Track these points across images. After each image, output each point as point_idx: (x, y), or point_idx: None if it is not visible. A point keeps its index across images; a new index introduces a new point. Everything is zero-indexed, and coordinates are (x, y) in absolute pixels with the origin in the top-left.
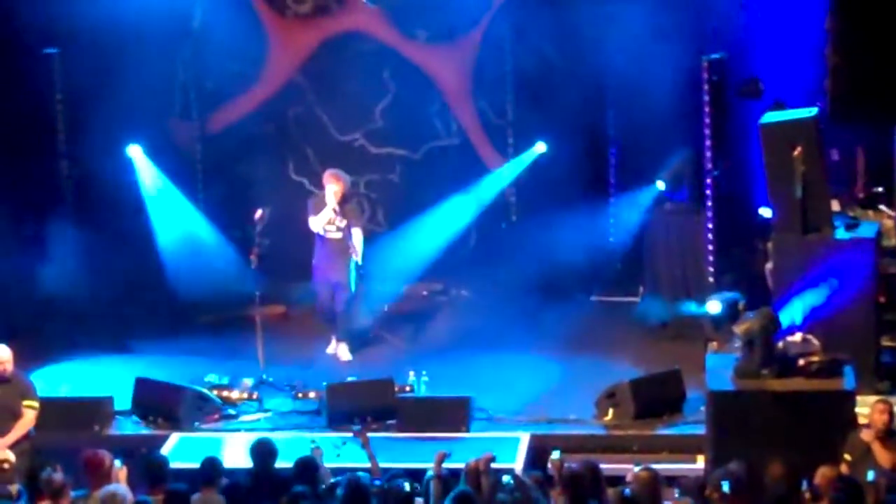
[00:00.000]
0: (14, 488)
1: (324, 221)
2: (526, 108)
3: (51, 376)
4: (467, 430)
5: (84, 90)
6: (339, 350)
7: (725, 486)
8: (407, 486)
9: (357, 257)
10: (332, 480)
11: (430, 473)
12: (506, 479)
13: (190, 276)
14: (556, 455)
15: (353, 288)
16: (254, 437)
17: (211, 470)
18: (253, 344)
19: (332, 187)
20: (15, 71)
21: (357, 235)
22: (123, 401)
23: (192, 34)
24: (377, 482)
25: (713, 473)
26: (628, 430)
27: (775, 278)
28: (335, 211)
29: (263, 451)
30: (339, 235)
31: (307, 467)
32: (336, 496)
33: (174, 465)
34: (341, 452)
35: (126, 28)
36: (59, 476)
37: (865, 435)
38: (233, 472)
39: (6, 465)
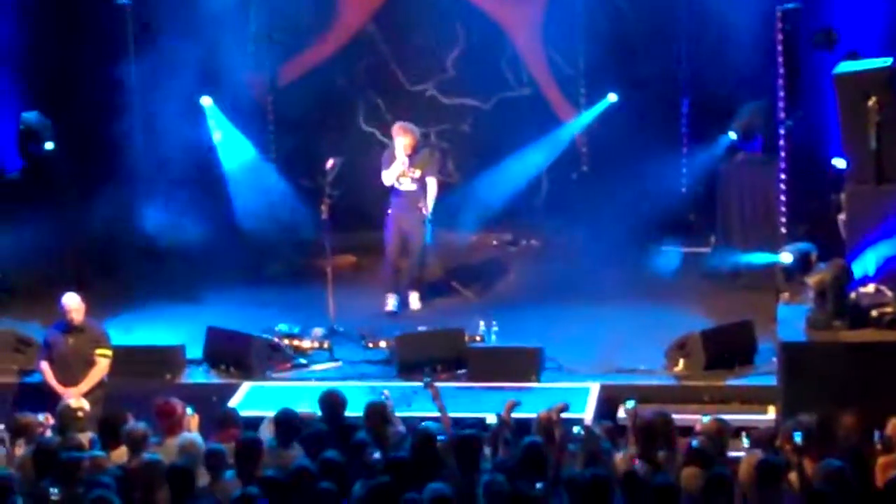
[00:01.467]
0: (87, 436)
1: (396, 174)
2: (597, 59)
3: (124, 325)
4: (537, 380)
5: (156, 41)
6: (411, 299)
7: (797, 438)
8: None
9: (427, 211)
10: (402, 429)
11: (495, 422)
12: (576, 429)
13: (262, 226)
14: (630, 404)
15: (427, 238)
16: (324, 386)
17: (287, 426)
18: (324, 294)
19: (402, 140)
20: (87, 21)
21: (431, 185)
22: (195, 349)
23: None
24: (443, 437)
25: (784, 424)
26: (699, 380)
27: (848, 229)
28: (405, 164)
29: (332, 402)
30: (413, 187)
31: (376, 414)
32: (405, 446)
33: (245, 412)
34: (412, 402)
35: None
36: (141, 426)
37: None
38: (309, 424)
39: (80, 413)
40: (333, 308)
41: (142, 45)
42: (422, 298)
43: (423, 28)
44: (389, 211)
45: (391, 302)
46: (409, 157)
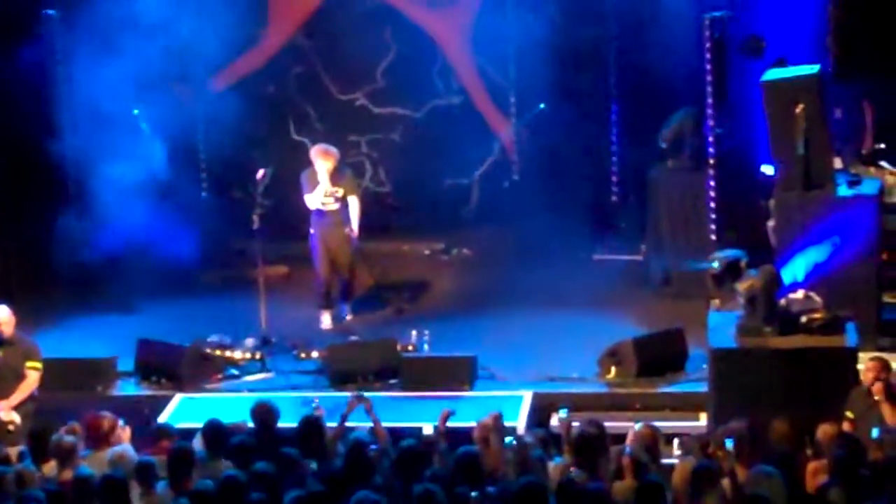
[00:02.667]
0: (16, 450)
1: (321, 196)
2: (528, 67)
3: (55, 337)
4: (470, 389)
5: (84, 53)
6: (346, 312)
7: (728, 444)
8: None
9: (353, 232)
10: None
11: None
12: (508, 439)
13: (192, 237)
14: (563, 414)
15: (352, 254)
16: (256, 397)
17: (215, 437)
18: (255, 304)
19: (323, 164)
20: (14, 33)
21: (354, 205)
22: (126, 361)
23: None
24: (375, 447)
25: (716, 431)
26: (631, 388)
27: (777, 236)
28: (330, 179)
29: (264, 412)
30: (335, 206)
31: (310, 427)
32: (338, 454)
33: (178, 424)
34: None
35: None
36: (68, 439)
37: (876, 391)
38: (235, 433)
39: (11, 427)
40: (265, 318)
41: (71, 56)
42: (353, 309)
43: (354, 37)
44: (312, 231)
45: (326, 319)
46: (331, 176)
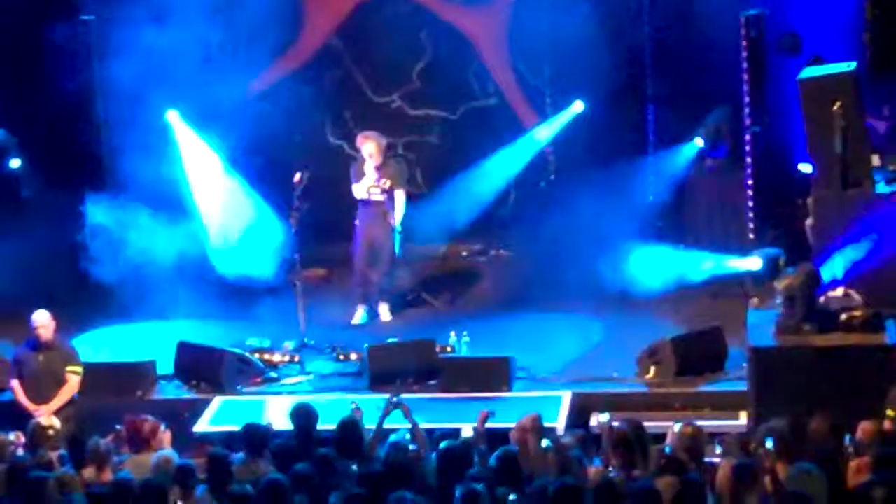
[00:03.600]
0: (57, 454)
1: (367, 186)
2: (563, 67)
3: (94, 342)
4: (509, 390)
5: (121, 56)
6: (381, 310)
7: (769, 442)
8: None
9: (395, 223)
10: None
11: (470, 434)
12: (545, 442)
13: (231, 241)
14: (604, 418)
15: (395, 250)
16: (296, 399)
17: (254, 438)
18: (294, 307)
19: (367, 148)
20: (52, 36)
21: (400, 197)
22: (166, 365)
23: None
24: (414, 448)
25: (756, 430)
26: (670, 387)
27: (816, 234)
28: (377, 170)
29: (303, 415)
30: (381, 198)
31: (349, 429)
32: (377, 457)
33: (217, 428)
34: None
35: None
36: (104, 443)
37: None
38: (277, 435)
39: (51, 432)
40: (304, 321)
41: (107, 59)
42: (392, 310)
43: (389, 40)
44: (357, 222)
45: (359, 314)
46: (379, 167)
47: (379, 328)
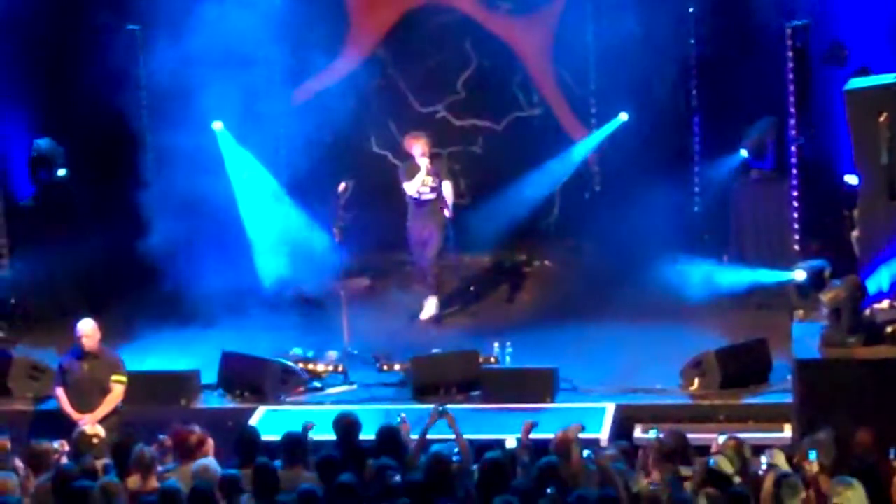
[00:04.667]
0: (102, 463)
1: (419, 183)
2: (608, 78)
3: (138, 351)
4: (552, 401)
5: (166, 66)
6: (427, 303)
7: (813, 455)
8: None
9: (448, 211)
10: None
11: (514, 444)
12: (585, 452)
13: (274, 250)
14: (653, 434)
15: (447, 244)
16: (339, 409)
17: (294, 448)
18: (338, 317)
19: (419, 148)
20: (99, 46)
21: (448, 188)
22: (210, 374)
23: (273, 9)
24: (458, 458)
25: (801, 442)
26: (714, 399)
27: (862, 245)
28: (428, 169)
29: (347, 425)
30: (432, 196)
31: (390, 437)
32: (419, 466)
33: (261, 437)
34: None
35: (207, 2)
36: (149, 451)
37: None
38: (320, 445)
39: (95, 440)
40: (347, 331)
41: (153, 69)
42: (440, 305)
43: (434, 50)
44: (409, 223)
45: (428, 306)
46: (430, 164)
47: (422, 340)
